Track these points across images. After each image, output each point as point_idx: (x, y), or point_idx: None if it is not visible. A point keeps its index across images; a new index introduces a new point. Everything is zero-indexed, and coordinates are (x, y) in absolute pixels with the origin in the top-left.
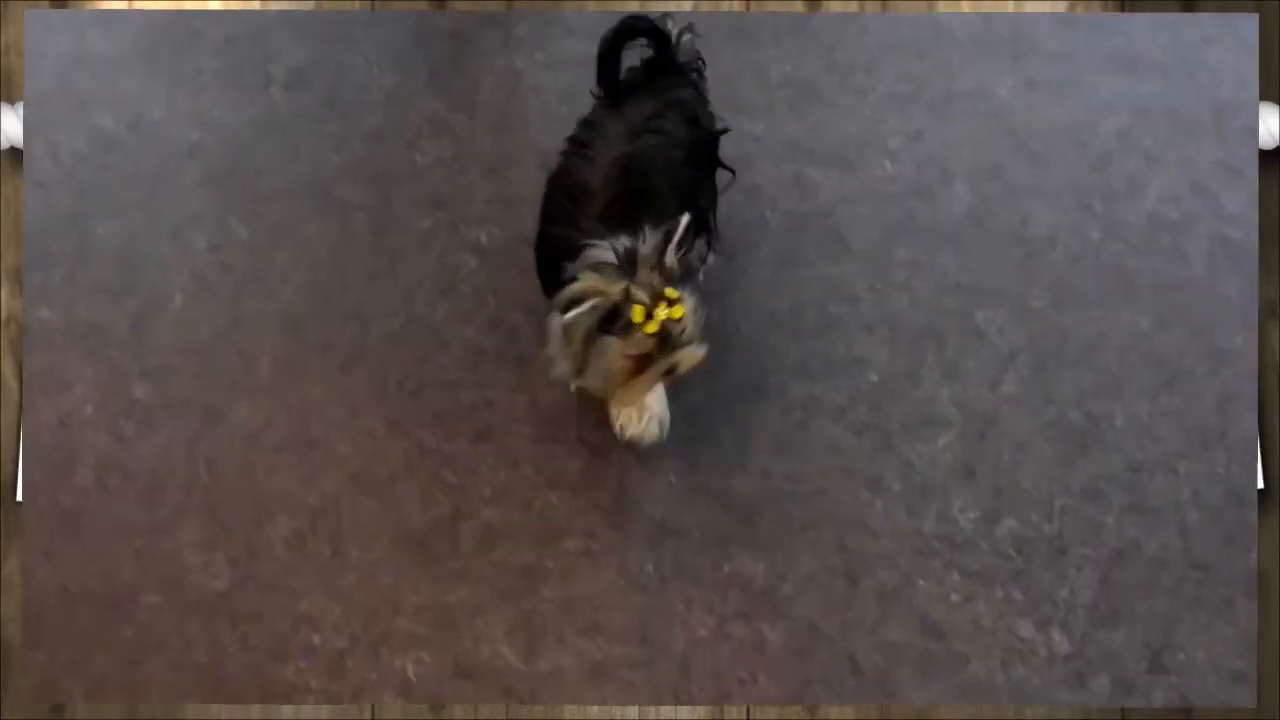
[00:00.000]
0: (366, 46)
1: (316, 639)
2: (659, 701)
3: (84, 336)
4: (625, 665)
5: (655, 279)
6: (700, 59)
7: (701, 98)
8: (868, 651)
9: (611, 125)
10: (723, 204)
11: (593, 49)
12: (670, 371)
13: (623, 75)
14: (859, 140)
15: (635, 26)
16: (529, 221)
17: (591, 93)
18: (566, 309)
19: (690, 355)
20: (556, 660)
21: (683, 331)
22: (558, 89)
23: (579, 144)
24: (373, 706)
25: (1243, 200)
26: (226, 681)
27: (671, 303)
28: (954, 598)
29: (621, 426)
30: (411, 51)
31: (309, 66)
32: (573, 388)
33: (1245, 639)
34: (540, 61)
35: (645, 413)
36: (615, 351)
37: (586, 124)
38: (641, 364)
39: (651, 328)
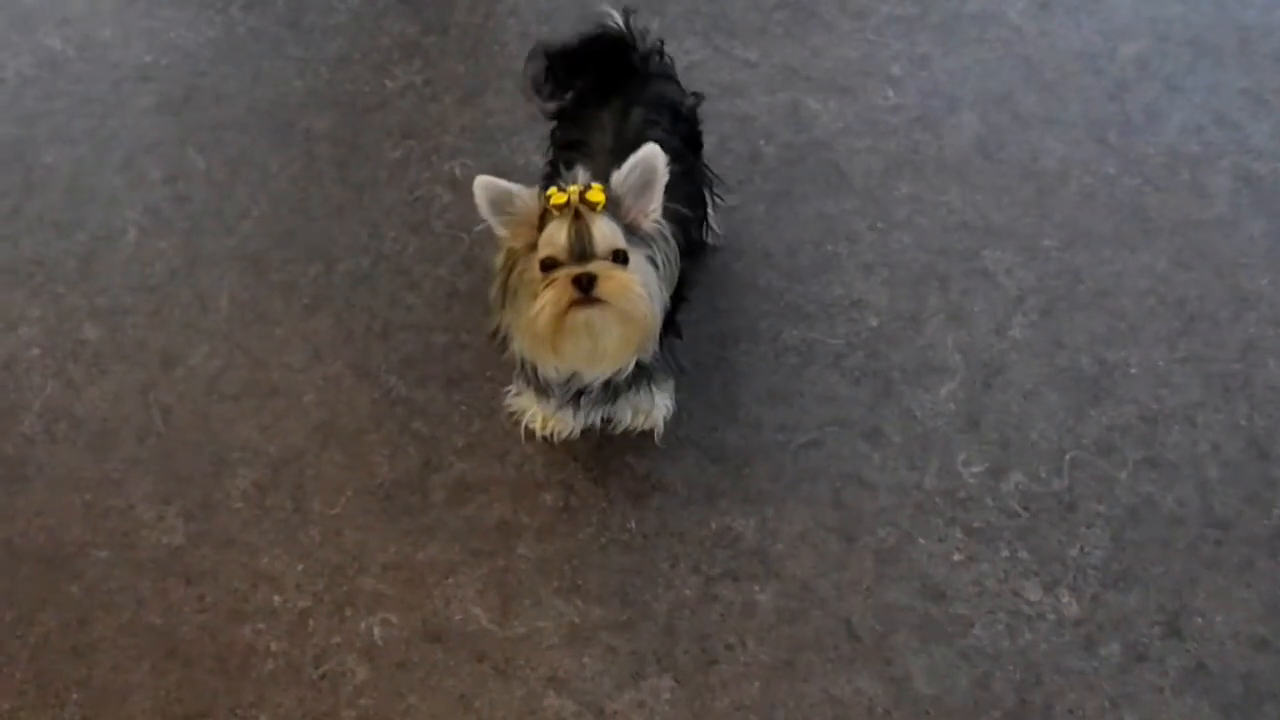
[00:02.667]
0: None
1: (277, 599)
2: (641, 667)
3: (30, 274)
4: (605, 628)
5: (586, 177)
6: (660, 42)
7: (675, 83)
8: (864, 615)
9: (596, 138)
10: (714, 137)
11: None
12: (587, 287)
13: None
14: (860, 67)
15: (592, 49)
16: (506, 152)
17: (545, 113)
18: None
19: (612, 273)
20: (532, 622)
21: (601, 240)
22: (536, 10)
23: (562, 165)
24: None
25: (1268, 132)
26: (181, 643)
27: (592, 188)
28: (956, 557)
29: (518, 412)
30: None
31: None
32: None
33: (1266, 602)
34: None
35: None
36: (534, 260)
37: (568, 143)
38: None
39: (559, 199)
